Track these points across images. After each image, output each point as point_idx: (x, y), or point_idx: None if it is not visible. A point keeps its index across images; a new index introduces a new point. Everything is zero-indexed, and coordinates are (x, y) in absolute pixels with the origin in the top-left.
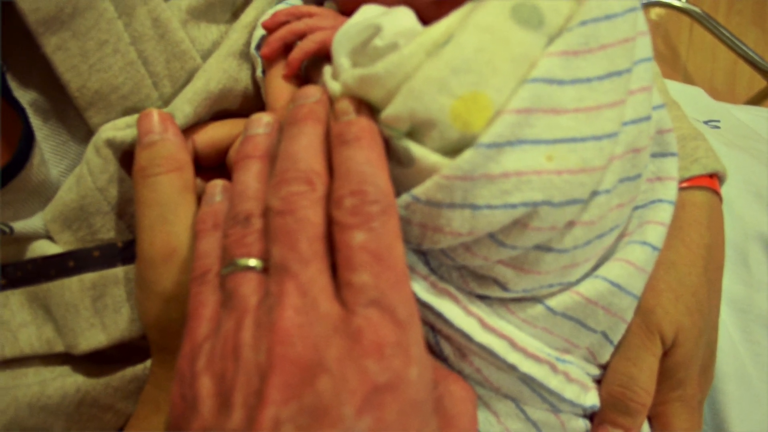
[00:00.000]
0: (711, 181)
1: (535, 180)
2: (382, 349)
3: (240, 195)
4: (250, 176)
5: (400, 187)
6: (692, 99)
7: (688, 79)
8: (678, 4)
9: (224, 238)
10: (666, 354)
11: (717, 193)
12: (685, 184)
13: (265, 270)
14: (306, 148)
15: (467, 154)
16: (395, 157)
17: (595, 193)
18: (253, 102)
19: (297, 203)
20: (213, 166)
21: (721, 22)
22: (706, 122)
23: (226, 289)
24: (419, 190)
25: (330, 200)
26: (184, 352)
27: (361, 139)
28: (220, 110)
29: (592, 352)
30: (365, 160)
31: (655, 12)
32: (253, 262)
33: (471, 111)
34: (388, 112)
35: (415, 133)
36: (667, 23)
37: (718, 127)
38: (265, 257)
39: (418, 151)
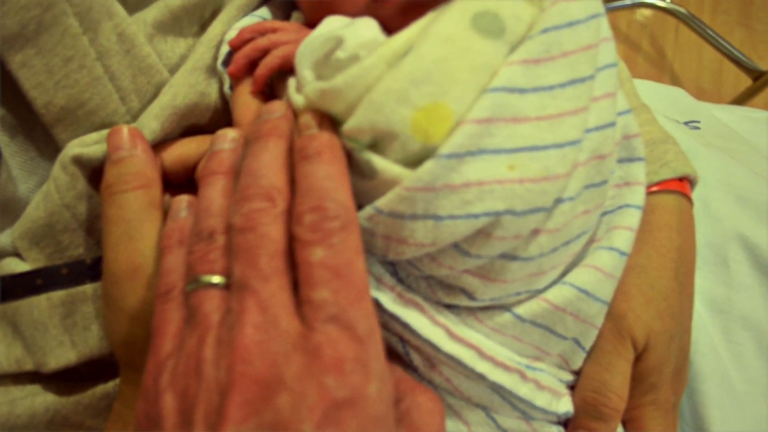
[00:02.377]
0: (681, 185)
1: (497, 189)
2: (341, 365)
3: (204, 211)
4: (215, 192)
5: (363, 199)
6: (673, 100)
7: (674, 79)
8: (663, 4)
9: (188, 255)
10: (638, 358)
11: (687, 197)
12: (655, 188)
13: (229, 286)
14: (268, 165)
15: (428, 165)
16: (358, 170)
17: (559, 201)
18: (221, 116)
19: (258, 220)
20: (182, 182)
21: (707, 21)
22: (686, 123)
23: (190, 306)
24: (382, 202)
25: (291, 216)
26: (148, 369)
27: (322, 153)
28: (188, 125)
29: (565, 359)
30: (326, 175)
31: (641, 13)
32: (216, 278)
33: (431, 122)
34: (349, 125)
35: (377, 145)
36: (653, 24)
37: (698, 128)
38: (228, 274)
39: (380, 163)
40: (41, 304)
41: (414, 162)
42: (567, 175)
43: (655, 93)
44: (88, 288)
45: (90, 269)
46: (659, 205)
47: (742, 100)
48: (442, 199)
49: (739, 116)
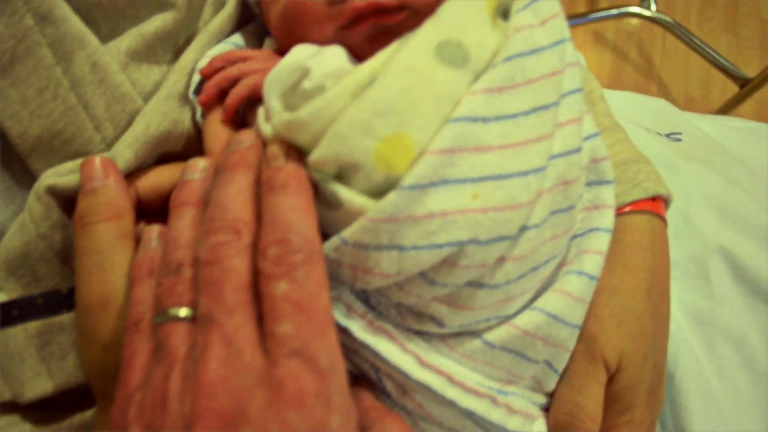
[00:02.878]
0: (654, 205)
1: (460, 219)
2: (303, 400)
3: (173, 243)
4: (184, 223)
5: (330, 229)
6: (656, 112)
7: (662, 87)
8: (649, 14)
9: (157, 287)
10: (611, 380)
11: (661, 216)
12: (627, 209)
13: (196, 319)
14: (235, 197)
15: (391, 197)
16: (324, 200)
17: (524, 228)
18: (195, 143)
19: (223, 253)
20: (156, 209)
21: (694, 29)
22: (668, 135)
23: (158, 338)
24: (347, 233)
25: (257, 248)
26: (116, 402)
27: (288, 185)
28: (163, 152)
29: (538, 381)
30: (291, 208)
31: (628, 22)
32: (183, 311)
33: (394, 153)
34: (314, 156)
35: (343, 175)
36: (641, 32)
37: (680, 140)
38: (195, 306)
39: (345, 194)
40: (18, 335)
41: (379, 192)
42: (531, 203)
43: (638, 105)
44: (65, 317)
45: (66, 299)
46: (631, 226)
47: (729, 107)
48: (405, 230)
49: (722, 126)
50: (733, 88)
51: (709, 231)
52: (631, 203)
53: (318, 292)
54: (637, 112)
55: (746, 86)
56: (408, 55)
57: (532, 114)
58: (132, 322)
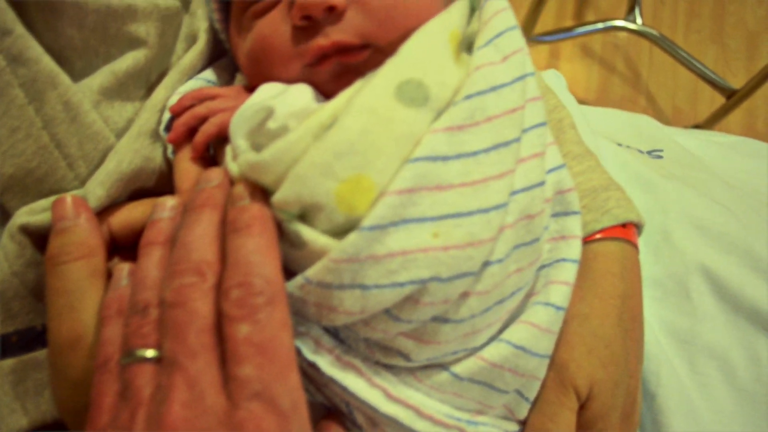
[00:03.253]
0: (624, 231)
1: (421, 258)
2: None
3: (140, 283)
4: (151, 263)
5: (296, 267)
6: (637, 129)
7: (650, 99)
8: (635, 27)
9: (125, 327)
10: (583, 407)
11: (632, 242)
12: (598, 236)
13: (161, 360)
14: (200, 238)
15: (351, 238)
16: (289, 240)
17: (487, 264)
18: (168, 179)
19: (187, 295)
20: (130, 245)
21: (680, 40)
22: (649, 152)
23: (125, 379)
24: (311, 272)
25: (220, 290)
26: None
27: (251, 226)
28: (135, 189)
29: (510, 409)
30: (254, 249)
31: (615, 35)
32: (150, 353)
33: (355, 194)
34: (277, 197)
35: (306, 215)
36: (628, 45)
37: (661, 157)
38: (161, 347)
39: (308, 234)
40: None
41: (342, 232)
42: (493, 239)
43: (620, 122)
44: (39, 354)
45: (41, 335)
46: (602, 253)
47: (717, 117)
48: (367, 270)
49: (703, 141)
50: (721, 99)
51: (689, 249)
52: (601, 230)
53: (279, 333)
54: (619, 129)
55: (732, 97)
56: (368, 96)
57: (492, 151)
58: (101, 362)
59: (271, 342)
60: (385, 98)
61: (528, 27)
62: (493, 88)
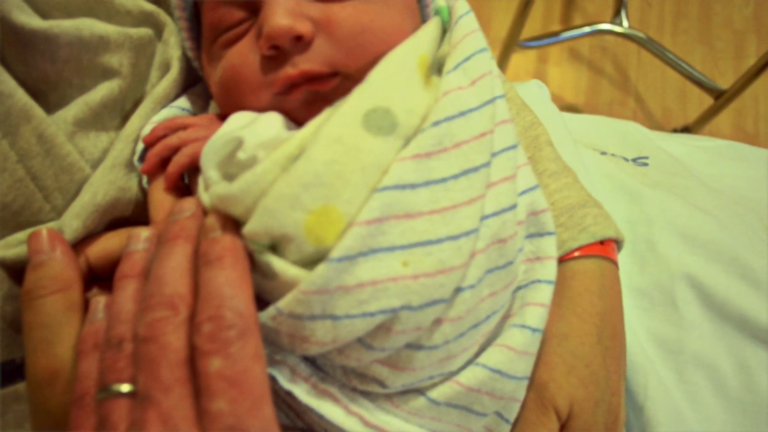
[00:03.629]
0: (602, 248)
1: (391, 287)
2: None
3: (115, 317)
4: (126, 297)
5: (269, 297)
6: (622, 136)
7: (639, 101)
8: (621, 30)
9: (100, 362)
10: (563, 427)
11: (610, 259)
12: (576, 254)
13: (136, 394)
14: (173, 270)
15: (320, 269)
16: (261, 271)
17: (459, 290)
18: (144, 208)
19: (160, 329)
20: (108, 275)
21: (668, 41)
22: (635, 159)
23: (100, 414)
24: (282, 303)
25: (193, 323)
26: None
27: (223, 258)
28: (112, 219)
29: (490, 431)
30: (225, 282)
31: (603, 38)
32: (125, 387)
33: (323, 225)
34: (247, 229)
35: (277, 246)
36: (616, 48)
37: (646, 164)
38: (136, 382)
39: (279, 265)
40: None
41: (312, 263)
42: (464, 265)
43: (605, 130)
44: (20, 386)
45: (20, 368)
46: (580, 271)
47: (706, 117)
48: (337, 300)
49: (689, 147)
50: (710, 99)
51: (674, 259)
52: (579, 248)
53: (252, 366)
54: (604, 137)
55: (721, 98)
56: (335, 126)
57: (461, 177)
58: (77, 396)
59: (243, 375)
60: (352, 127)
61: (514, 32)
62: (462, 113)
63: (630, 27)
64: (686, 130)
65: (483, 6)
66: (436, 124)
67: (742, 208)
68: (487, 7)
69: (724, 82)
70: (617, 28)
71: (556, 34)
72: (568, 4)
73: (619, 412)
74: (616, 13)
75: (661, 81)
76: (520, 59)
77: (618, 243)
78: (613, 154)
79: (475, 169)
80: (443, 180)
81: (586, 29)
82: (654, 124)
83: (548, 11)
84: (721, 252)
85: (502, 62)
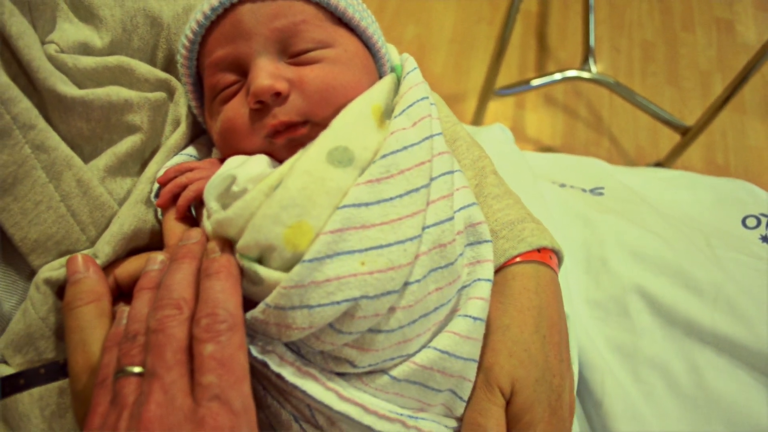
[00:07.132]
0: (539, 255)
1: (352, 281)
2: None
3: (133, 318)
4: (142, 304)
5: (257, 299)
6: (581, 170)
7: (613, 141)
8: (589, 76)
9: (118, 351)
10: (509, 402)
11: (546, 264)
12: (517, 260)
13: (144, 374)
14: (180, 281)
15: (296, 269)
16: (250, 279)
17: (407, 284)
18: (159, 237)
19: (167, 323)
20: (131, 291)
21: (638, 84)
22: (591, 190)
23: (115, 390)
24: (269, 299)
25: (193, 320)
26: None
27: (219, 272)
28: (134, 246)
29: (449, 407)
30: (220, 289)
31: (577, 84)
32: (136, 369)
33: (297, 236)
34: (240, 244)
35: (263, 257)
36: (589, 92)
37: (602, 194)
38: (145, 365)
39: (264, 272)
40: (24, 400)
41: (290, 267)
42: (410, 263)
43: (565, 165)
44: (62, 383)
45: (63, 368)
46: (519, 273)
47: (676, 153)
48: (310, 293)
49: (646, 178)
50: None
51: (625, 273)
52: (518, 255)
53: (237, 353)
54: (564, 171)
55: (687, 134)
56: (306, 161)
57: (405, 196)
58: (100, 380)
59: (230, 359)
60: (319, 162)
61: (490, 81)
62: (405, 148)
63: (599, 72)
64: (659, 165)
65: (462, 57)
66: (384, 156)
67: (688, 228)
68: (466, 58)
69: (693, 120)
70: (585, 74)
71: (527, 82)
72: (542, 52)
73: (563, 392)
74: (585, 60)
75: (633, 121)
76: (499, 106)
77: (556, 253)
78: (572, 186)
79: (416, 190)
80: (391, 199)
81: (557, 76)
82: (628, 162)
83: (524, 60)
84: (667, 265)
85: (480, 109)
